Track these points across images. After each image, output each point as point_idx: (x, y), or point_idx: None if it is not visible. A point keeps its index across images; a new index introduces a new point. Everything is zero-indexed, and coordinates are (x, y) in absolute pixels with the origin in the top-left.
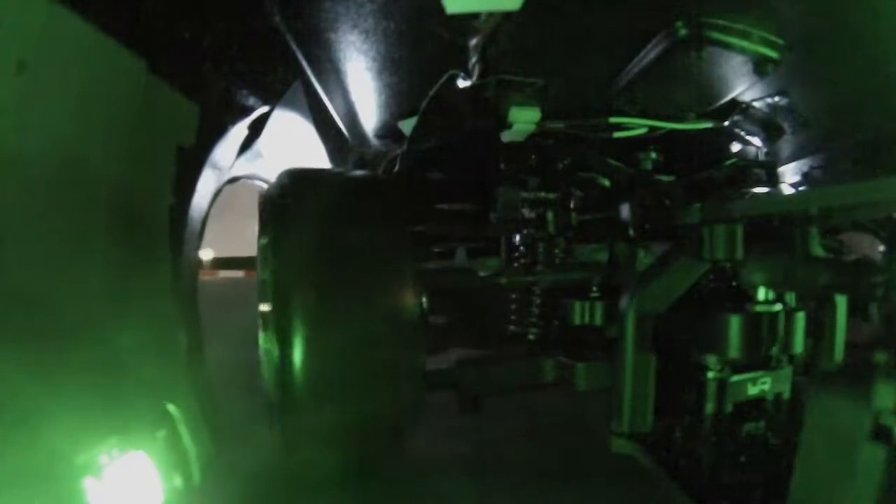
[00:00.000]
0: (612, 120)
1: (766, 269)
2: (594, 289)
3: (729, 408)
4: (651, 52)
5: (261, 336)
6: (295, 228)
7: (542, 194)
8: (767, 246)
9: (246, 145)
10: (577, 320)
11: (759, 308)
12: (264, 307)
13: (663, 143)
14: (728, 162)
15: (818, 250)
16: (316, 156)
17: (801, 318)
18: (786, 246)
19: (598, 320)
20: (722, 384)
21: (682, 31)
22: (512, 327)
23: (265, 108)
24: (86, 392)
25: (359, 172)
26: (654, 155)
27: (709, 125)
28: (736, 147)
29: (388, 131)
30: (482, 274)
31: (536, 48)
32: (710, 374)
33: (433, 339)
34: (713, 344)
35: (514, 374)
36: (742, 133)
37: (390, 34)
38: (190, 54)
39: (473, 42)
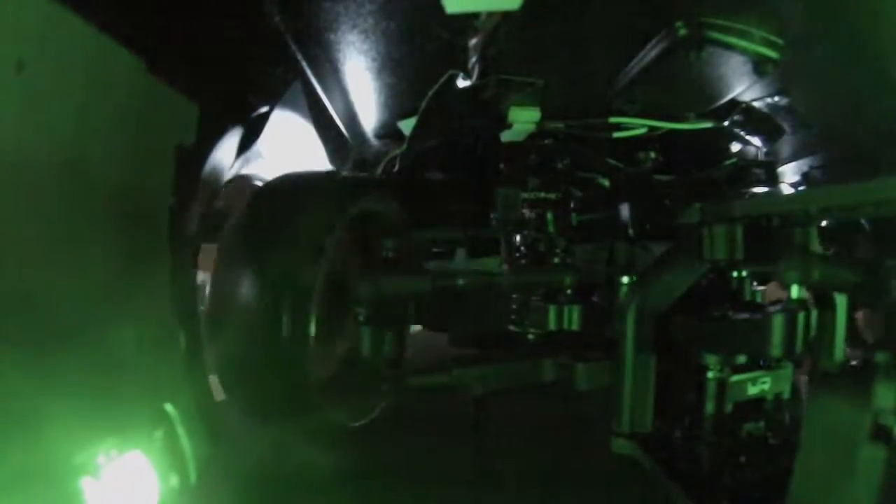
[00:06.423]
0: (612, 120)
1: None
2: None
3: (729, 408)
4: (651, 52)
5: None
6: None
7: (542, 194)
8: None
9: (246, 145)
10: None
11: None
12: None
13: (663, 143)
14: (728, 162)
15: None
16: (316, 156)
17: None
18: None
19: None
20: (722, 384)
21: (682, 31)
22: (511, 327)
23: (265, 108)
24: (84, 392)
25: None
26: (654, 155)
27: (709, 125)
28: (736, 147)
29: (388, 131)
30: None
31: (536, 48)
32: (710, 374)
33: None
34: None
35: (513, 374)
36: (742, 133)
37: (390, 34)
38: (190, 54)
39: (473, 42)
